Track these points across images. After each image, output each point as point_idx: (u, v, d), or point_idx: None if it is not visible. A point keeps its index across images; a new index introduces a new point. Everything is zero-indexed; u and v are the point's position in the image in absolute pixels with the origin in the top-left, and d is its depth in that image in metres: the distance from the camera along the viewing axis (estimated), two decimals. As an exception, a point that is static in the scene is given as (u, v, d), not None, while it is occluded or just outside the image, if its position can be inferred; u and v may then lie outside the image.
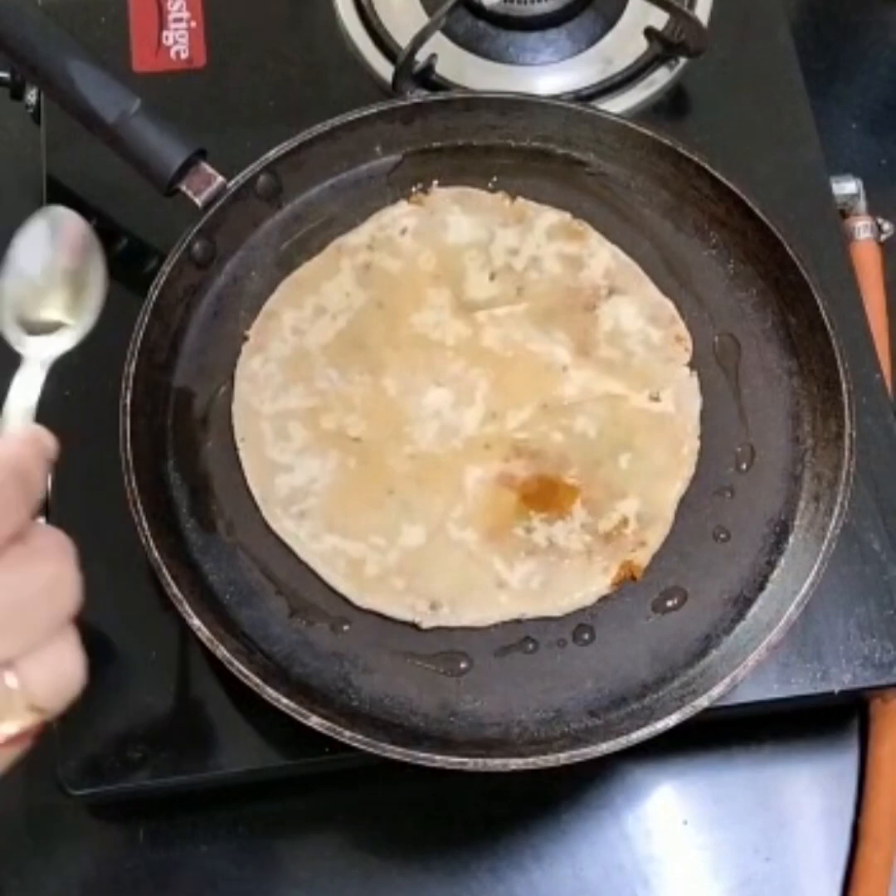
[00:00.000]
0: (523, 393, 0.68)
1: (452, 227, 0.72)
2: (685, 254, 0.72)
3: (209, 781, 0.64)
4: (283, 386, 0.68)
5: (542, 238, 0.72)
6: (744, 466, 0.67)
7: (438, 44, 0.78)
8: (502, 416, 0.67)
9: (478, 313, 0.70)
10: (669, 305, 0.70)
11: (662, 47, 0.80)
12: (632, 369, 0.68)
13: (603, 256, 0.71)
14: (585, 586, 0.64)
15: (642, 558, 0.64)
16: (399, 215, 0.72)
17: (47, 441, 0.48)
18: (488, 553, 0.64)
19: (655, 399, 0.68)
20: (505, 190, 0.73)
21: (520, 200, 0.73)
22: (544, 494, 0.65)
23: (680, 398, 0.68)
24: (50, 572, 0.45)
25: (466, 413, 0.67)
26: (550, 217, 0.72)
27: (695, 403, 0.68)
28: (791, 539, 0.65)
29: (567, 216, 0.72)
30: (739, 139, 0.78)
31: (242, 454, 0.66)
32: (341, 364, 0.68)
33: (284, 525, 0.64)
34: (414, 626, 0.63)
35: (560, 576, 0.64)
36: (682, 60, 0.80)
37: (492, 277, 0.71)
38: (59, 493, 0.67)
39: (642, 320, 0.70)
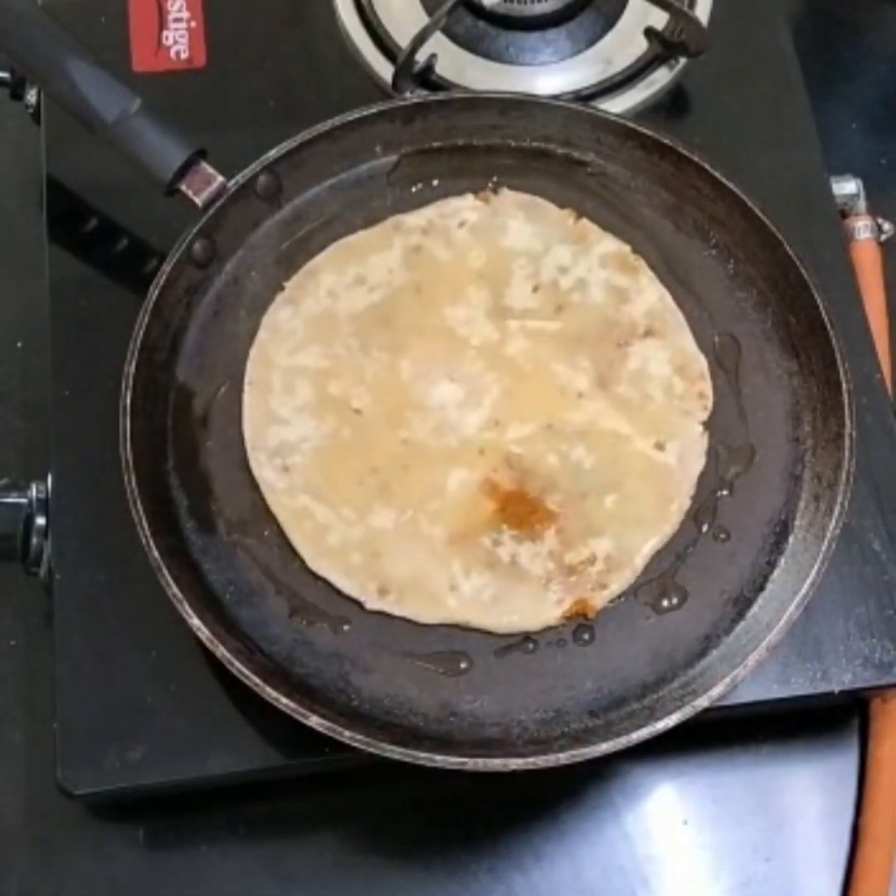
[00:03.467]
0: (532, 409, 0.67)
1: (511, 232, 0.72)
2: (685, 254, 0.72)
3: (209, 781, 0.64)
4: (303, 342, 0.69)
5: (595, 263, 0.71)
6: (744, 466, 0.67)
7: (438, 44, 0.78)
8: (504, 426, 0.67)
9: (510, 321, 0.70)
10: (702, 361, 0.69)
11: (662, 47, 0.80)
12: (645, 413, 0.68)
13: (650, 296, 0.70)
14: (535, 612, 0.63)
15: (598, 600, 0.63)
16: (462, 207, 0.72)
17: None
18: (450, 554, 0.64)
19: (660, 448, 0.67)
20: (572, 207, 0.73)
21: (584, 221, 0.72)
22: (522, 512, 0.65)
23: (684, 454, 0.67)
24: None
25: (470, 414, 0.67)
26: (609, 245, 0.72)
27: (697, 463, 0.67)
28: (791, 539, 0.65)
29: (626, 248, 0.71)
30: (739, 139, 0.78)
31: (246, 397, 0.67)
32: (364, 336, 0.69)
33: (264, 473, 0.65)
34: (410, 622, 0.63)
35: (513, 595, 0.63)
36: (682, 60, 0.80)
37: (535, 289, 0.70)
38: (59, 493, 0.67)
39: (670, 368, 0.69)
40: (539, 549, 0.64)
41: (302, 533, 0.64)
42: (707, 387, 0.69)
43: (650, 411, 0.68)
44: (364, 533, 0.64)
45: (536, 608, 0.63)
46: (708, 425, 0.68)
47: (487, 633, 0.63)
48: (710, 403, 0.68)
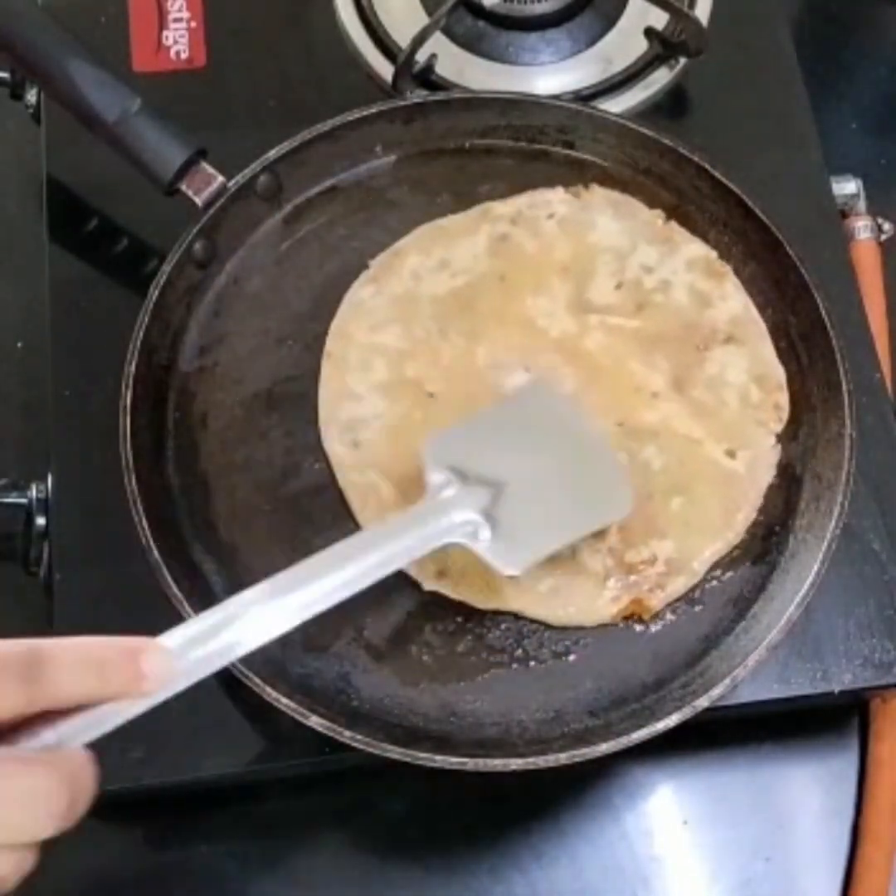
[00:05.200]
0: (605, 405, 0.67)
1: (599, 228, 0.71)
2: (685, 254, 0.72)
3: (209, 781, 0.64)
4: (383, 321, 0.69)
5: (680, 265, 0.71)
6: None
7: (438, 44, 0.78)
8: None
9: (591, 315, 0.69)
10: (781, 372, 0.68)
11: (662, 47, 0.80)
12: (719, 419, 0.67)
13: (734, 303, 0.70)
14: (591, 607, 0.63)
15: (655, 602, 0.63)
16: (552, 200, 0.72)
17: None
18: None
19: (731, 455, 0.66)
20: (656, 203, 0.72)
21: (672, 223, 0.72)
22: None
23: (755, 464, 0.66)
24: (33, 787, 0.44)
25: None
26: (696, 249, 0.71)
27: (767, 475, 0.66)
28: (791, 539, 0.65)
29: (713, 254, 0.71)
30: (740, 139, 0.78)
31: (323, 370, 0.68)
32: (444, 320, 0.69)
33: (335, 447, 0.66)
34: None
35: (570, 588, 0.63)
36: (682, 60, 0.80)
37: (618, 286, 0.70)
38: (59, 493, 0.67)
39: (748, 377, 0.68)
40: (600, 546, 0.64)
41: (367, 509, 0.64)
42: (784, 398, 0.68)
43: (724, 417, 0.67)
44: None
45: (592, 604, 0.63)
46: (781, 437, 0.67)
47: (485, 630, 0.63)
48: (785, 415, 0.68)
